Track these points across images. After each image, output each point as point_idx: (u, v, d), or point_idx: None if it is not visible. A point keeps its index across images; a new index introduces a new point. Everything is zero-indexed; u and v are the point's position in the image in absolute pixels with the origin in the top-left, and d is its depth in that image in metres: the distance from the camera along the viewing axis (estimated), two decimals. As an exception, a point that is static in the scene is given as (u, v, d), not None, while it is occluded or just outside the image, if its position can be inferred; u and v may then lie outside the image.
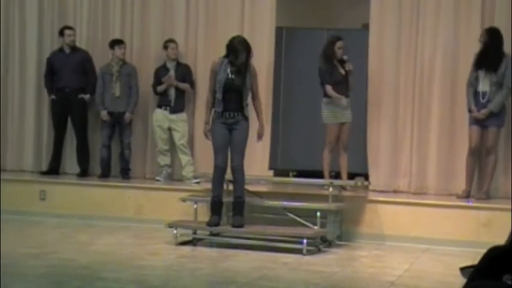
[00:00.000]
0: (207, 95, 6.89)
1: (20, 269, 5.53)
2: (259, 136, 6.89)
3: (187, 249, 6.67)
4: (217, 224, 6.69)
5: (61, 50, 8.87)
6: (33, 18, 9.26)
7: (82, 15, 9.15)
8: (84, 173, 8.71)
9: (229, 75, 6.63)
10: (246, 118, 6.72)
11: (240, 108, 6.65)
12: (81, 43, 9.02)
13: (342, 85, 7.60)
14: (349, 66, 7.57)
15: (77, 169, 8.81)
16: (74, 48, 8.83)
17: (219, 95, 6.64)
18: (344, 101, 7.49)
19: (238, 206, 6.71)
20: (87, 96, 8.74)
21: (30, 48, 9.28)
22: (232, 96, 6.64)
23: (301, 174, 8.72)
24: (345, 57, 7.60)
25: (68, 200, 8.10)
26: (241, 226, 6.64)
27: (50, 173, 8.79)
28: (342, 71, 7.59)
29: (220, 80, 6.62)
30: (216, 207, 6.70)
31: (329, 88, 7.54)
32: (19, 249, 6.21)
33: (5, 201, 8.11)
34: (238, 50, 6.56)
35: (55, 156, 8.84)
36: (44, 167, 9.00)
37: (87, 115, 8.83)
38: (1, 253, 5.73)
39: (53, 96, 8.84)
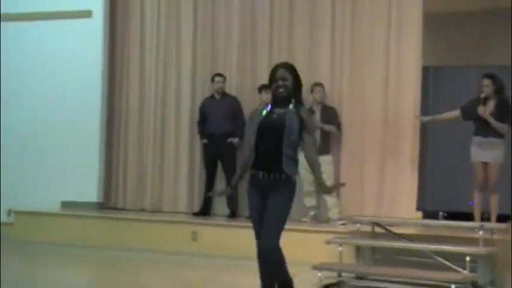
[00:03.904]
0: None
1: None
2: (327, 193, 5.51)
3: (331, 292, 6.63)
4: None
5: (212, 96, 9.27)
6: (187, 67, 9.76)
7: (232, 62, 9.53)
8: (233, 214, 8.96)
9: (269, 114, 4.82)
10: (287, 179, 4.73)
11: (278, 163, 4.68)
12: (231, 89, 9.37)
13: (483, 124, 7.34)
14: (480, 109, 7.30)
15: (226, 211, 9.08)
16: (224, 95, 9.19)
17: (252, 140, 4.81)
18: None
19: None
20: (235, 140, 9.03)
21: (184, 95, 9.77)
22: (269, 143, 4.71)
23: (451, 215, 8.44)
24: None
25: (217, 240, 8.34)
26: None
27: (202, 214, 9.12)
28: (483, 110, 7.33)
29: (257, 121, 4.83)
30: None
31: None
32: (169, 288, 6.48)
33: (160, 242, 8.53)
34: (273, 77, 4.84)
35: (206, 198, 9.18)
36: (196, 208, 9.37)
37: (236, 158, 9.11)
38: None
39: (204, 141, 9.23)
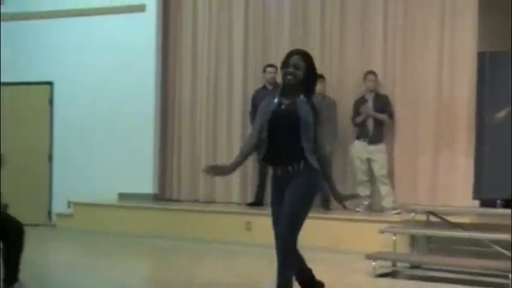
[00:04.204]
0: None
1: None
2: (340, 202, 4.92)
3: (386, 281, 6.57)
4: None
5: (264, 87, 9.29)
6: (239, 58, 9.80)
7: (283, 53, 9.45)
8: (286, 204, 8.97)
9: (280, 103, 4.50)
10: (306, 168, 4.41)
11: (296, 154, 4.40)
12: (283, 79, 9.36)
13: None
14: None
15: (280, 201, 9.09)
16: (275, 85, 9.19)
17: (264, 132, 4.48)
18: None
19: None
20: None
21: (236, 86, 9.83)
22: (284, 137, 4.41)
23: (510, 203, 8.25)
24: None
25: (270, 230, 8.33)
26: None
27: (255, 204, 9.17)
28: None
29: (267, 110, 4.51)
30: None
31: None
32: (224, 278, 6.54)
33: (214, 232, 8.63)
34: (286, 62, 4.52)
35: (259, 188, 9.22)
36: (249, 198, 9.43)
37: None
38: (209, 281, 6.05)
39: (257, 132, 9.25)
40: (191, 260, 7.67)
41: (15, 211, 5.48)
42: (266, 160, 4.51)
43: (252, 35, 9.73)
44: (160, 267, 7.44)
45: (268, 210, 8.86)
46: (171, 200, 10.08)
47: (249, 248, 8.23)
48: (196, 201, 9.87)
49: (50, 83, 10.69)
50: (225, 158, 9.76)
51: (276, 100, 4.51)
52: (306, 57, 4.53)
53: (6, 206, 5.43)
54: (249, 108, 9.45)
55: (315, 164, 4.42)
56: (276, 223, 4.62)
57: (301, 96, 4.46)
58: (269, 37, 9.64)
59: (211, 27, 9.99)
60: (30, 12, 10.68)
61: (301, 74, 4.46)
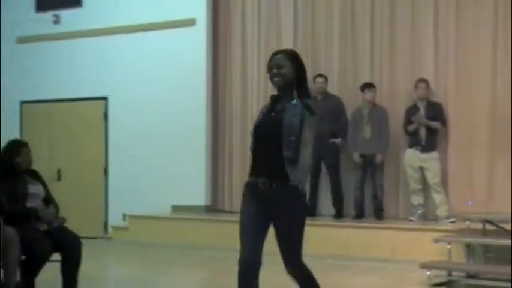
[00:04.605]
0: None
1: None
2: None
3: (441, 291, 6.51)
4: None
5: (314, 97, 9.29)
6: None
7: (333, 62, 9.51)
8: (339, 214, 8.95)
9: (268, 113, 4.09)
10: (293, 190, 3.87)
11: (279, 169, 3.86)
12: (333, 89, 9.36)
13: None
14: None
15: (332, 210, 9.08)
16: (325, 95, 9.19)
17: (251, 144, 4.11)
18: None
19: None
20: (338, 140, 9.00)
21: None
22: (266, 146, 3.95)
23: None
24: None
25: (324, 240, 8.35)
26: None
27: (308, 214, 9.12)
28: None
29: (256, 121, 4.15)
30: None
31: None
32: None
33: (266, 242, 8.62)
34: (268, 66, 4.11)
35: (311, 198, 9.19)
36: (302, 209, 9.41)
37: (339, 158, 9.09)
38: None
39: (308, 142, 9.24)
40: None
41: (72, 224, 5.62)
42: (251, 175, 4.02)
43: (301, 47, 9.71)
44: (214, 278, 7.50)
45: (321, 221, 8.97)
46: (222, 211, 10.15)
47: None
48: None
49: (105, 98, 10.92)
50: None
51: (266, 109, 4.11)
52: (292, 56, 4.10)
53: (63, 219, 5.57)
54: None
55: (299, 179, 3.88)
56: (248, 239, 4.06)
57: (295, 99, 3.99)
58: (318, 48, 9.65)
59: (260, 40, 10.05)
60: (84, 30, 10.95)
61: (288, 72, 4.03)
